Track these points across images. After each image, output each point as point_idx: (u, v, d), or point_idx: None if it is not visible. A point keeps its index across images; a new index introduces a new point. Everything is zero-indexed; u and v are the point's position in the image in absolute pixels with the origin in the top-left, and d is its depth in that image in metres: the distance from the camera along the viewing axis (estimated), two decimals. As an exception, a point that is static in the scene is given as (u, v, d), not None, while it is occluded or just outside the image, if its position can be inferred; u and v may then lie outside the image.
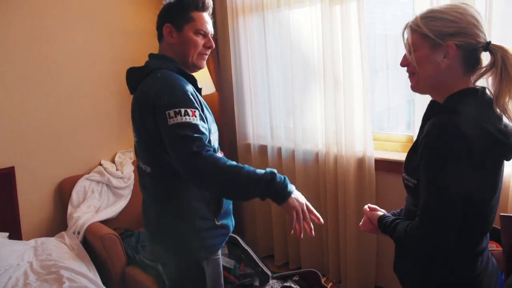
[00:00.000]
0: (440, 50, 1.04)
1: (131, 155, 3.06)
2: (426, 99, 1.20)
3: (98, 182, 2.80)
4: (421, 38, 1.07)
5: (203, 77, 2.84)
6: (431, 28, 1.05)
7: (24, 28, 2.57)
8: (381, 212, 1.31)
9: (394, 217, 1.23)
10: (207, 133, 1.32)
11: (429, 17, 1.06)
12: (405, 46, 1.12)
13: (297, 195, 1.31)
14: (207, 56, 1.52)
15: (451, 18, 1.04)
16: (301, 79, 2.65)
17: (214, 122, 1.48)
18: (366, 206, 1.36)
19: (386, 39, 2.70)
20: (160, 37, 1.50)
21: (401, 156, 2.28)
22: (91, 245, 2.45)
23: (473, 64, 1.06)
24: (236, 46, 2.95)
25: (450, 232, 1.01)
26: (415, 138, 1.38)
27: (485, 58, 1.07)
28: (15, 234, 2.51)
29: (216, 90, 3.06)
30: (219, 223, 1.46)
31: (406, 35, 1.11)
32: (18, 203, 2.57)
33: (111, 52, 2.97)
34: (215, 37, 1.53)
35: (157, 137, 1.33)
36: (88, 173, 2.84)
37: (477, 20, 1.04)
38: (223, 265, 1.71)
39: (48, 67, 2.68)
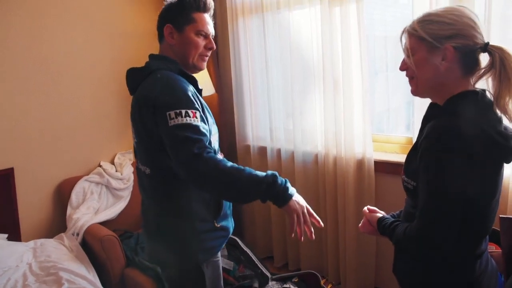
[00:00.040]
0: (438, 53, 1.05)
1: (131, 156, 3.06)
2: (426, 100, 1.20)
3: (97, 183, 2.80)
4: (418, 41, 1.07)
5: (203, 79, 2.84)
6: (428, 31, 1.05)
7: (24, 28, 2.57)
8: (380, 214, 1.31)
9: (393, 219, 1.23)
10: (207, 134, 1.31)
11: (426, 20, 1.07)
12: (404, 51, 1.12)
13: (298, 198, 1.31)
14: (207, 58, 1.51)
15: (447, 20, 1.04)
16: (301, 80, 2.65)
17: (215, 124, 1.48)
18: (365, 208, 1.36)
19: (385, 40, 2.70)
20: (161, 38, 1.49)
21: (401, 158, 2.28)
22: (90, 247, 2.45)
23: (471, 65, 1.07)
24: (235, 48, 2.96)
25: (450, 234, 1.01)
26: (414, 140, 1.38)
27: (485, 59, 1.07)
28: (14, 235, 2.51)
29: (216, 91, 3.07)
30: (218, 225, 1.45)
31: (404, 40, 1.12)
32: (17, 205, 2.57)
33: (110, 53, 2.97)
34: (215, 38, 1.52)
35: (157, 139, 1.32)
36: (88, 174, 2.83)
37: (474, 22, 1.04)
38: (222, 266, 1.70)
39: (48, 68, 2.68)
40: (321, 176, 2.60)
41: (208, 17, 1.48)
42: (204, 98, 1.49)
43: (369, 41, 2.43)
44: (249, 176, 1.25)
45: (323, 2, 2.39)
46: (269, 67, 2.79)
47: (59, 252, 2.34)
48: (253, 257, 2.61)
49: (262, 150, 2.96)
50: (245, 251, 2.63)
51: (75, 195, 2.70)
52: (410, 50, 1.09)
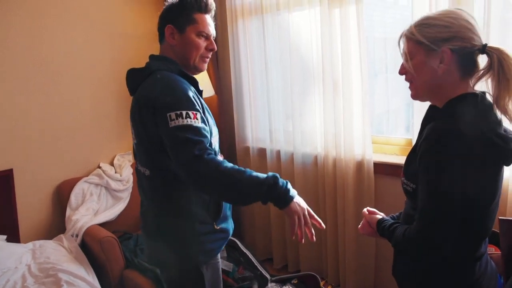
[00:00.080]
0: (435, 56, 1.05)
1: (130, 158, 3.06)
2: (425, 102, 1.20)
3: (96, 184, 2.79)
4: (416, 45, 1.08)
5: (202, 80, 2.84)
6: (425, 34, 1.06)
7: (24, 29, 2.57)
8: (380, 215, 1.31)
9: (392, 221, 1.23)
10: (208, 136, 1.30)
11: (423, 24, 1.07)
12: (402, 55, 1.13)
13: (299, 200, 1.30)
14: (208, 59, 1.51)
15: (444, 23, 1.05)
16: (300, 82, 2.65)
17: (215, 125, 1.47)
18: (365, 209, 1.36)
19: (385, 42, 2.70)
20: (161, 38, 1.48)
21: (400, 160, 2.28)
22: (89, 248, 2.45)
23: (470, 67, 1.07)
24: (235, 49, 2.96)
25: (449, 235, 1.01)
26: (414, 142, 1.38)
27: (483, 61, 1.07)
28: (13, 237, 2.51)
29: (215, 93, 3.07)
30: (218, 227, 1.44)
31: (402, 44, 1.13)
32: (17, 206, 2.56)
33: (110, 53, 2.97)
34: (214, 40, 1.52)
35: (157, 140, 1.31)
36: (87, 175, 2.83)
37: (471, 24, 1.05)
38: (221, 268, 1.70)
39: (48, 69, 2.68)
40: (320, 178, 2.59)
41: (209, 18, 1.47)
42: (204, 99, 1.48)
43: (368, 43, 2.43)
44: (250, 177, 1.24)
45: (322, 3, 2.39)
46: (268, 68, 2.79)
47: (58, 253, 2.34)
48: (253, 259, 2.61)
49: (262, 152, 2.96)
50: (245, 253, 2.62)
51: (75, 196, 2.70)
52: (408, 54, 1.10)
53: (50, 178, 2.73)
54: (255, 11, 2.82)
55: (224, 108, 3.16)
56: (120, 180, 2.87)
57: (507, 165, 1.08)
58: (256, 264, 2.58)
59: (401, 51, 1.13)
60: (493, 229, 1.15)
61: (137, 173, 1.51)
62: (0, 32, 2.48)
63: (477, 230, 1.09)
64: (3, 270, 2.14)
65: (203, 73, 2.84)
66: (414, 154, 1.09)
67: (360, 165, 2.40)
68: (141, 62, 1.50)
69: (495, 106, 1.03)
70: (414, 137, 2.18)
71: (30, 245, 2.42)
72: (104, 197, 2.81)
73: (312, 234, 1.32)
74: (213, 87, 3.04)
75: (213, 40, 1.48)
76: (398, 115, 2.70)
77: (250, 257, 2.61)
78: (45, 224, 2.73)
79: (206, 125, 1.33)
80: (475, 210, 1.04)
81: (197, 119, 1.27)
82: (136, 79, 1.44)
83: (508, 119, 1.03)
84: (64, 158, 2.79)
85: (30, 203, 2.64)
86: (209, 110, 1.46)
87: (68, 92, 2.78)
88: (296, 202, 1.29)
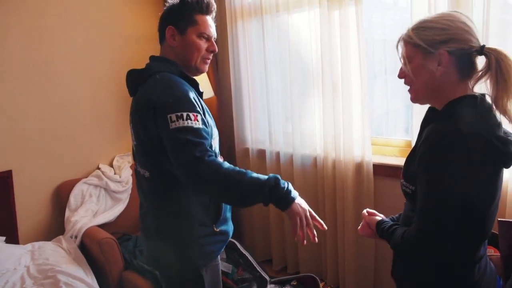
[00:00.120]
0: (433, 58, 1.06)
1: (129, 159, 3.06)
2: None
3: (96, 186, 2.79)
4: (414, 49, 1.09)
5: (202, 81, 2.83)
6: (422, 37, 1.06)
7: (24, 29, 2.57)
8: (379, 217, 1.31)
9: (392, 223, 1.23)
10: (209, 137, 1.30)
11: (420, 27, 1.08)
12: (400, 59, 1.14)
13: (300, 201, 1.30)
14: (209, 61, 1.50)
15: (441, 26, 1.05)
16: (300, 83, 2.65)
17: (215, 127, 1.46)
18: (364, 211, 1.36)
19: (384, 44, 2.70)
20: (162, 39, 1.47)
21: (400, 161, 2.28)
22: (88, 250, 2.44)
23: (468, 69, 1.07)
24: (234, 51, 2.96)
25: (448, 238, 1.01)
26: (413, 143, 1.38)
27: (482, 62, 1.07)
28: (12, 238, 2.50)
29: (215, 94, 3.07)
30: (218, 230, 1.44)
31: (400, 48, 1.14)
32: (15, 207, 2.56)
33: (110, 54, 2.97)
34: (214, 41, 1.52)
35: (158, 142, 1.30)
36: (86, 177, 2.83)
37: (468, 26, 1.05)
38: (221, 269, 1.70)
39: (47, 69, 2.68)
40: (320, 179, 2.59)
41: (210, 20, 1.47)
42: (203, 100, 1.48)
43: (368, 44, 2.44)
44: (251, 179, 1.24)
45: (322, 5, 2.40)
46: (268, 70, 2.79)
47: (57, 255, 2.33)
48: (252, 260, 2.60)
49: (261, 153, 2.96)
50: (244, 254, 2.62)
51: (74, 197, 2.69)
52: (407, 58, 1.11)
53: (49, 179, 2.73)
54: (254, 13, 2.82)
55: (224, 110, 3.16)
56: (119, 182, 2.86)
57: (506, 167, 1.08)
58: (255, 266, 2.58)
59: (400, 55, 1.14)
60: (492, 231, 1.15)
61: (136, 174, 1.50)
62: (0, 32, 2.48)
63: (477, 232, 1.09)
64: (2, 272, 2.14)
65: (203, 74, 2.84)
66: (413, 156, 1.10)
67: (359, 167, 2.40)
68: (140, 62, 1.50)
69: (494, 107, 1.03)
70: (413, 138, 2.18)
71: (29, 246, 2.42)
72: (103, 199, 2.81)
73: (314, 236, 1.32)
74: (213, 88, 3.04)
75: (214, 42, 1.48)
76: (397, 117, 2.70)
77: (249, 258, 2.61)
78: (44, 225, 2.72)
79: (206, 127, 1.32)
80: (474, 212, 1.04)
81: (197, 121, 1.27)
82: (136, 80, 1.43)
83: (507, 119, 1.04)
84: (63, 159, 2.78)
85: (29, 204, 2.63)
86: (209, 111, 1.45)
87: (67, 93, 2.78)
88: (298, 204, 1.28)
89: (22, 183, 2.59)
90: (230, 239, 1.55)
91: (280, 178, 1.27)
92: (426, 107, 1.20)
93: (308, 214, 1.30)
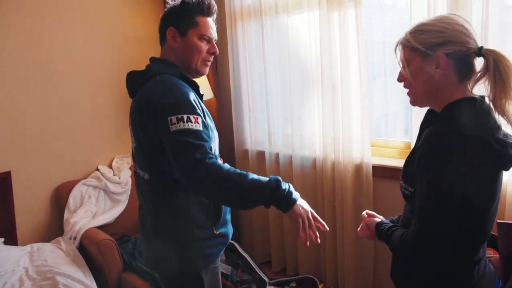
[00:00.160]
0: (431, 61, 1.06)
1: (129, 160, 3.05)
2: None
3: (95, 187, 2.79)
4: (412, 52, 1.09)
5: (201, 83, 2.84)
6: (420, 40, 1.07)
7: (23, 29, 2.56)
8: (379, 218, 1.31)
9: (391, 224, 1.23)
10: (209, 140, 1.29)
11: (418, 30, 1.09)
12: (399, 63, 1.14)
13: (302, 203, 1.29)
14: (210, 63, 1.49)
15: (438, 29, 1.06)
16: (299, 85, 2.65)
17: (215, 129, 1.46)
18: (364, 212, 1.37)
19: (384, 45, 2.71)
20: (163, 41, 1.47)
21: (399, 163, 2.28)
22: (87, 251, 2.44)
23: (467, 71, 1.07)
24: (234, 52, 2.96)
25: (446, 240, 1.01)
26: (412, 145, 1.38)
27: (481, 64, 1.07)
28: (11, 239, 2.50)
29: (214, 95, 3.07)
30: (217, 232, 1.43)
31: (398, 52, 1.14)
32: (14, 208, 2.55)
33: (110, 55, 2.97)
34: (213, 42, 1.51)
35: (158, 144, 1.30)
36: (85, 178, 2.83)
37: (465, 28, 1.06)
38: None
39: (47, 69, 2.68)
40: (319, 181, 2.59)
41: (211, 21, 1.46)
42: (203, 102, 1.48)
43: (367, 46, 2.44)
44: (251, 181, 1.23)
45: (321, 6, 2.40)
46: (267, 71, 2.79)
47: (56, 256, 2.33)
48: (251, 262, 2.60)
49: (260, 155, 2.96)
50: (243, 256, 2.62)
51: (73, 199, 2.69)
52: (405, 61, 1.11)
53: (48, 180, 2.73)
54: (254, 14, 2.82)
55: (223, 111, 3.16)
56: (118, 183, 2.86)
57: (506, 169, 1.08)
58: (254, 267, 2.58)
59: (398, 58, 1.14)
60: (491, 232, 1.15)
61: (135, 176, 1.49)
62: (0, 32, 2.48)
63: (476, 234, 1.08)
64: (0, 273, 2.14)
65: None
66: (413, 157, 1.10)
67: (358, 168, 2.40)
68: (140, 63, 1.50)
69: (493, 109, 1.03)
70: (412, 140, 2.18)
71: (27, 247, 2.41)
72: (102, 200, 2.80)
73: (316, 237, 1.31)
74: (212, 90, 3.04)
75: (215, 44, 1.47)
76: (396, 118, 2.71)
77: (249, 260, 2.60)
78: (43, 226, 2.72)
79: (207, 129, 1.31)
80: (473, 213, 1.04)
81: (198, 123, 1.26)
82: (136, 81, 1.42)
83: (506, 120, 1.04)
84: (62, 160, 2.78)
85: (28, 205, 2.63)
86: (209, 114, 1.44)
87: (67, 93, 2.78)
88: (300, 205, 1.27)
89: (21, 184, 2.59)
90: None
91: (281, 179, 1.27)
92: (425, 108, 1.20)
93: (310, 215, 1.29)
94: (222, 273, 2.40)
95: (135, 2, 3.08)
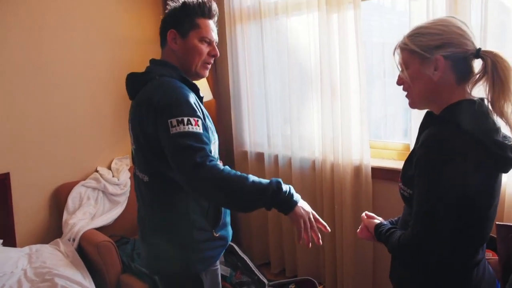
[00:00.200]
0: (429, 64, 1.07)
1: (128, 162, 3.05)
2: (423, 107, 1.21)
3: (94, 188, 2.78)
4: (410, 55, 1.10)
5: (200, 85, 2.84)
6: (417, 43, 1.08)
7: (23, 30, 2.56)
8: (378, 220, 1.31)
9: (390, 226, 1.23)
10: (209, 143, 1.28)
11: (416, 34, 1.09)
12: (398, 66, 1.15)
13: (303, 204, 1.29)
14: (210, 65, 1.49)
15: (435, 31, 1.06)
16: (298, 86, 2.66)
17: (215, 131, 1.45)
18: (363, 214, 1.36)
19: (383, 47, 2.71)
20: (163, 43, 1.46)
21: (398, 164, 2.28)
22: (86, 253, 2.43)
23: (465, 72, 1.08)
24: (233, 54, 2.96)
25: (443, 241, 1.01)
26: (412, 146, 1.38)
27: (479, 66, 1.08)
28: (9, 241, 2.49)
29: (213, 97, 3.07)
30: (217, 235, 1.43)
31: (397, 56, 1.15)
32: (13, 210, 2.55)
33: (109, 56, 2.96)
34: (213, 44, 1.51)
35: (157, 146, 1.29)
36: (84, 179, 2.82)
37: (463, 30, 1.06)
38: (219, 273, 1.69)
39: (46, 71, 2.67)
40: (318, 183, 2.59)
41: (212, 24, 1.46)
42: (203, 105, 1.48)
43: (366, 48, 2.44)
44: (252, 184, 1.22)
45: (320, 8, 2.40)
46: (267, 73, 2.79)
47: (54, 258, 2.32)
48: (250, 264, 2.60)
49: (260, 156, 2.96)
50: (242, 258, 2.62)
51: (72, 200, 2.68)
52: (404, 65, 1.12)
53: (47, 181, 2.72)
54: (253, 16, 2.82)
55: (222, 113, 3.16)
56: (117, 184, 2.86)
57: (505, 172, 1.08)
58: (253, 269, 2.58)
59: (397, 62, 1.15)
60: (491, 234, 1.15)
61: (135, 178, 1.49)
62: (-1, 32, 2.48)
63: (475, 236, 1.09)
64: (-1, 275, 2.13)
65: (201, 77, 2.85)
66: (411, 159, 1.10)
67: (358, 170, 2.40)
68: (140, 65, 1.49)
69: (491, 109, 1.04)
70: (412, 142, 2.18)
71: (26, 249, 2.41)
72: (101, 201, 2.80)
73: (318, 238, 1.30)
74: (211, 91, 3.04)
75: (215, 46, 1.47)
76: (396, 120, 2.71)
77: (248, 261, 2.60)
78: (42, 228, 2.71)
79: (207, 132, 1.31)
80: (472, 215, 1.04)
81: (198, 126, 1.26)
82: (136, 83, 1.42)
83: (504, 121, 1.04)
84: (61, 161, 2.78)
85: (26, 207, 2.62)
86: (209, 116, 1.44)
87: (66, 95, 2.77)
88: (301, 207, 1.27)
89: (20, 185, 2.58)
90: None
91: (281, 181, 1.26)
92: (424, 110, 1.20)
93: (311, 216, 1.29)
94: (221, 275, 2.40)
95: (134, 3, 3.08)
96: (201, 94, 1.46)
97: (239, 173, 1.24)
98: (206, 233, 1.41)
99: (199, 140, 1.24)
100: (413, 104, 1.17)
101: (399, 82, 1.17)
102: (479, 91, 1.09)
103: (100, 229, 2.60)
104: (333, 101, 2.43)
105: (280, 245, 2.91)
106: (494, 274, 1.19)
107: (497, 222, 1.37)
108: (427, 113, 1.18)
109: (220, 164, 1.27)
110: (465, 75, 1.08)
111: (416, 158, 1.04)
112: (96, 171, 2.91)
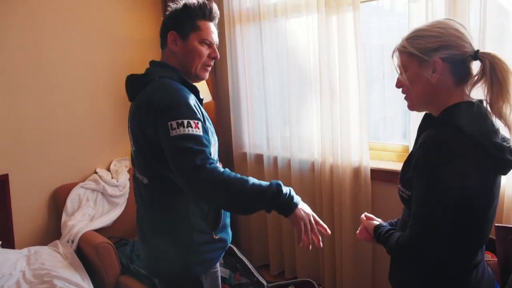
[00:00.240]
0: (428, 66, 1.07)
1: (127, 163, 3.05)
2: (422, 109, 1.21)
3: (93, 190, 2.78)
4: (409, 58, 1.10)
5: (200, 86, 2.84)
6: (416, 46, 1.08)
7: (23, 30, 2.56)
8: (377, 221, 1.31)
9: (389, 227, 1.23)
10: (209, 145, 1.28)
11: (414, 36, 1.10)
12: (396, 69, 1.15)
13: (304, 206, 1.29)
14: (210, 68, 1.49)
15: (433, 34, 1.07)
16: (298, 88, 2.66)
17: (215, 133, 1.45)
18: (363, 215, 1.37)
19: (382, 49, 2.72)
20: (163, 44, 1.46)
21: (397, 166, 2.28)
22: (85, 254, 2.43)
23: (463, 74, 1.08)
24: (233, 55, 2.96)
25: (442, 243, 1.01)
26: (411, 148, 1.39)
27: (478, 67, 1.08)
28: (8, 242, 2.49)
29: (213, 99, 3.07)
30: (217, 237, 1.42)
31: (395, 58, 1.15)
32: (12, 211, 2.54)
33: (109, 58, 2.96)
34: (212, 46, 1.51)
35: (157, 148, 1.29)
36: (83, 181, 2.82)
37: (461, 32, 1.07)
38: (219, 275, 1.68)
39: (45, 72, 2.67)
40: (317, 184, 2.59)
41: (213, 26, 1.45)
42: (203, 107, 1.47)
43: (365, 49, 2.45)
44: (252, 186, 1.22)
45: (320, 10, 2.41)
46: (266, 75, 2.79)
47: (53, 259, 2.32)
48: (249, 265, 2.60)
49: (259, 158, 2.96)
50: (241, 259, 2.61)
51: (71, 202, 2.68)
52: (402, 67, 1.12)
53: (46, 183, 2.72)
54: (252, 18, 2.83)
55: (221, 114, 3.16)
56: (116, 186, 2.86)
57: (504, 174, 1.08)
58: (252, 271, 2.57)
59: (395, 65, 1.15)
60: (490, 236, 1.15)
61: (134, 180, 1.49)
62: (-1, 32, 2.48)
63: (474, 237, 1.09)
64: (-3, 276, 2.13)
65: (201, 79, 2.85)
66: (410, 161, 1.10)
67: (357, 172, 2.40)
68: (140, 65, 1.49)
69: (490, 111, 1.04)
70: (411, 143, 2.19)
71: (25, 251, 2.40)
72: (100, 203, 2.80)
73: (319, 240, 1.30)
74: (211, 93, 3.04)
75: (216, 48, 1.46)
76: (395, 122, 2.71)
77: (247, 263, 2.60)
78: (41, 229, 2.71)
79: (207, 134, 1.31)
80: (471, 217, 1.04)
81: (198, 128, 1.25)
82: (136, 85, 1.42)
83: (503, 123, 1.04)
84: (60, 163, 2.77)
85: (25, 208, 2.62)
86: (209, 118, 1.43)
87: (65, 95, 2.77)
88: (301, 209, 1.27)
89: (19, 186, 2.58)
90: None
91: (282, 184, 1.26)
92: (423, 112, 1.21)
93: (312, 218, 1.29)
94: (220, 276, 2.39)
95: (134, 4, 3.08)
96: (201, 96, 1.46)
97: (239, 175, 1.24)
98: (206, 236, 1.40)
99: (199, 143, 1.24)
100: (412, 106, 1.17)
101: (398, 85, 1.17)
102: (478, 93, 1.09)
103: (99, 230, 2.60)
104: (332, 103, 2.43)
105: (279, 246, 2.91)
106: (493, 276, 1.19)
107: (496, 224, 1.37)
108: (425, 115, 1.19)
109: (220, 166, 1.26)
110: (463, 77, 1.08)
111: (414, 159, 1.05)
112: (95, 172, 2.91)
